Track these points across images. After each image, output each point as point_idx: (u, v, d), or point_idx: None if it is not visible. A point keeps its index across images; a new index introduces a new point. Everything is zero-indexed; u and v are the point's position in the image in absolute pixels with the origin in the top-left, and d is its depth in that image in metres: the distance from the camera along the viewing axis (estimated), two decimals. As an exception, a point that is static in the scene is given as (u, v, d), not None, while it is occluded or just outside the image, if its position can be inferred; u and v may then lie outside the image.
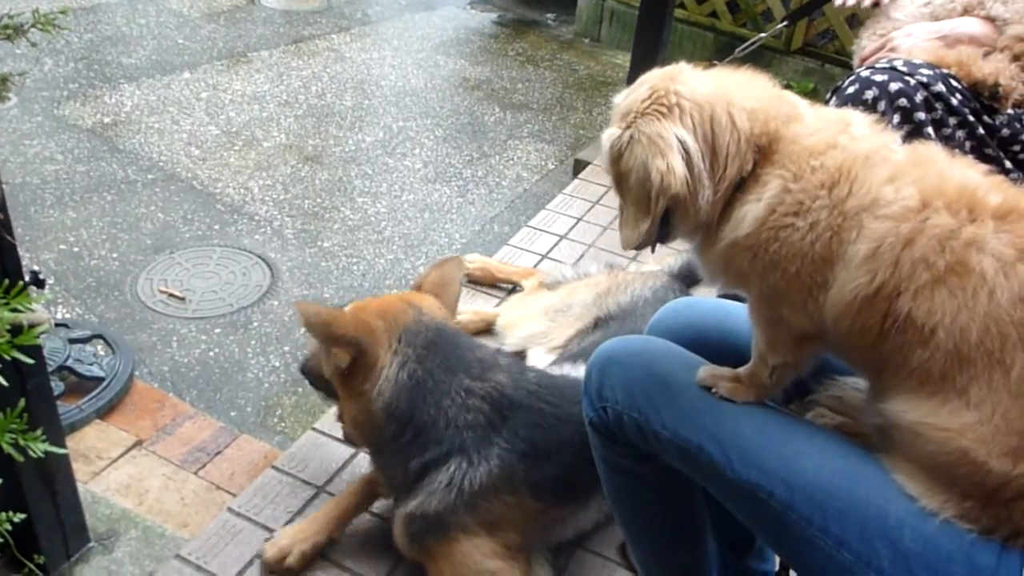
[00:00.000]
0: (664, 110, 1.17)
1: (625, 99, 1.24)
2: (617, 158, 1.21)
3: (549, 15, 6.71)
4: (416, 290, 2.02)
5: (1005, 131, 2.03)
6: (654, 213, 1.18)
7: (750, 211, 1.16)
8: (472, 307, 2.87)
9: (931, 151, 1.16)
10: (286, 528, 2.02)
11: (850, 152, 1.13)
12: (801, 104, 1.22)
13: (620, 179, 1.23)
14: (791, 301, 1.17)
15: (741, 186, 1.18)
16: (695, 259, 1.30)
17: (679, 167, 1.14)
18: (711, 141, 1.16)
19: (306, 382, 2.14)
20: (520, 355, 2.58)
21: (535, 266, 3.16)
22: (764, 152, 1.16)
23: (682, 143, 1.15)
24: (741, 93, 1.18)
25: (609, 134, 1.23)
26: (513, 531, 1.83)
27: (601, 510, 1.95)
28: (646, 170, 1.16)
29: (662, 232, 1.24)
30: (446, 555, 1.81)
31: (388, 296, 1.97)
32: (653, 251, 1.33)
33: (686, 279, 2.92)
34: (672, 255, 3.11)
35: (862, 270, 1.10)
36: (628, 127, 1.20)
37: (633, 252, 3.30)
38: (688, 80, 1.19)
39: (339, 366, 1.83)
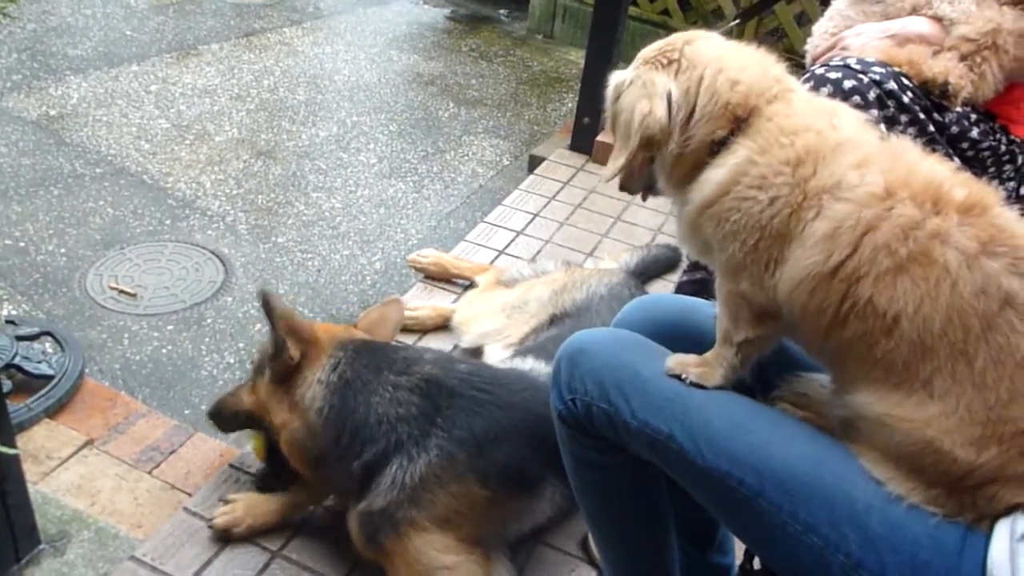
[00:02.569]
0: (664, 61, 1.28)
1: (644, 50, 1.33)
2: (616, 97, 1.33)
3: (502, 11, 6.71)
4: (352, 327, 2.14)
5: (954, 128, 2.07)
6: (631, 149, 1.28)
7: (713, 176, 1.22)
8: (430, 303, 2.86)
9: (905, 144, 1.18)
10: (243, 498, 2.05)
11: (824, 138, 1.16)
12: (796, 88, 1.28)
13: (614, 117, 1.34)
14: (750, 274, 1.20)
15: (710, 152, 1.25)
16: (676, 222, 1.36)
17: (660, 112, 1.24)
18: (691, 99, 1.25)
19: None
20: (477, 352, 2.58)
21: (492, 262, 3.16)
22: (741, 124, 1.22)
23: (669, 93, 1.25)
24: (735, 63, 1.25)
25: (616, 75, 1.35)
26: (465, 523, 1.82)
27: (554, 501, 1.94)
28: (632, 109, 1.27)
29: (649, 182, 1.37)
30: (400, 553, 1.81)
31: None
32: (644, 199, 1.47)
33: (641, 275, 2.95)
34: (628, 251, 3.14)
35: (817, 248, 1.12)
36: (634, 71, 1.31)
37: (590, 247, 3.33)
38: (700, 43, 1.29)
39: (291, 360, 1.91)
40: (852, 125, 1.21)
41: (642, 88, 1.27)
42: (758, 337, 1.27)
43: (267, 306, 1.91)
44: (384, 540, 1.82)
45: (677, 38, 1.30)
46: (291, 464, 2.00)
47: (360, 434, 1.85)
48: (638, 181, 1.40)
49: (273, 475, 2.11)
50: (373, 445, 1.83)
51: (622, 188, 1.43)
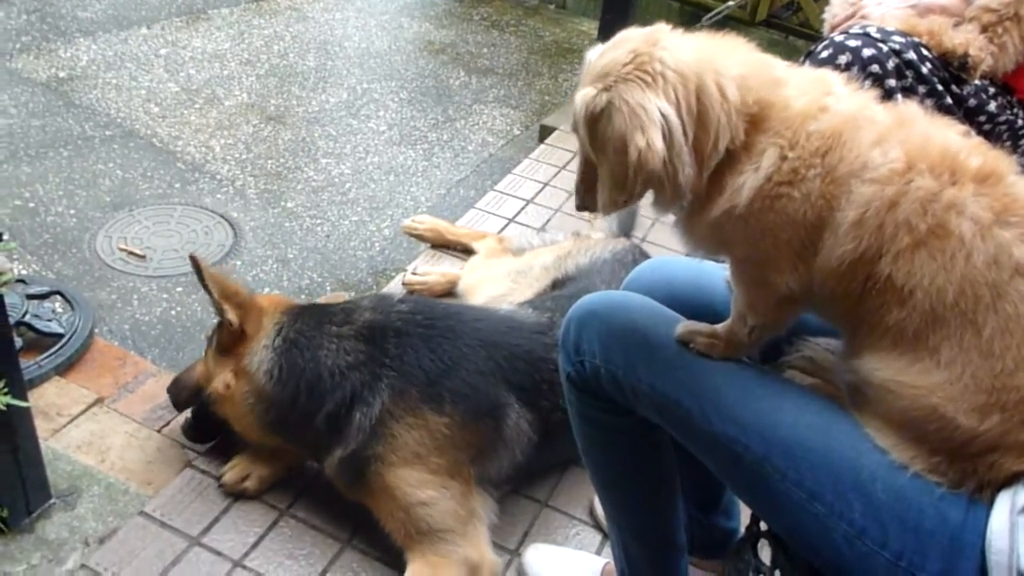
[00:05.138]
0: (648, 79, 1.09)
1: (602, 57, 1.16)
2: (593, 122, 1.13)
3: (515, -20, 6.64)
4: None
5: (972, 101, 2.06)
6: (631, 191, 1.13)
7: (748, 181, 1.12)
8: (439, 269, 2.87)
9: (912, 111, 1.16)
10: (243, 456, 2.08)
11: (839, 115, 1.12)
12: (780, 65, 1.19)
13: (597, 144, 1.15)
14: (778, 265, 1.17)
15: (730, 155, 1.14)
16: (678, 230, 1.26)
17: (658, 145, 1.08)
18: (698, 114, 1.10)
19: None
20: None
21: (501, 230, 3.16)
22: (755, 119, 1.13)
23: (664, 117, 1.08)
24: (727, 60, 1.13)
25: (584, 94, 1.13)
26: (432, 453, 1.85)
27: (520, 429, 1.94)
28: (624, 144, 1.09)
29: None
30: (378, 491, 1.87)
31: None
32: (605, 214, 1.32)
33: (627, 234, 2.98)
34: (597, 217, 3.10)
35: (849, 236, 1.10)
36: (607, 89, 1.11)
37: (589, 216, 3.31)
38: (671, 46, 1.12)
39: (231, 325, 1.96)
40: (849, 93, 1.16)
41: (632, 116, 1.09)
42: (776, 321, 1.27)
43: (197, 272, 1.95)
44: (360, 481, 1.87)
45: (641, 43, 1.13)
46: (243, 434, 2.05)
47: (315, 389, 1.90)
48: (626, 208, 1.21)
49: (199, 425, 2.16)
50: (331, 396, 1.89)
51: (584, 208, 1.25)
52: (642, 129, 1.08)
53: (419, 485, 1.84)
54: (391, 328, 1.94)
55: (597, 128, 1.14)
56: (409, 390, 1.86)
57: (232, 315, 1.97)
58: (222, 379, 2.00)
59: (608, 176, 1.16)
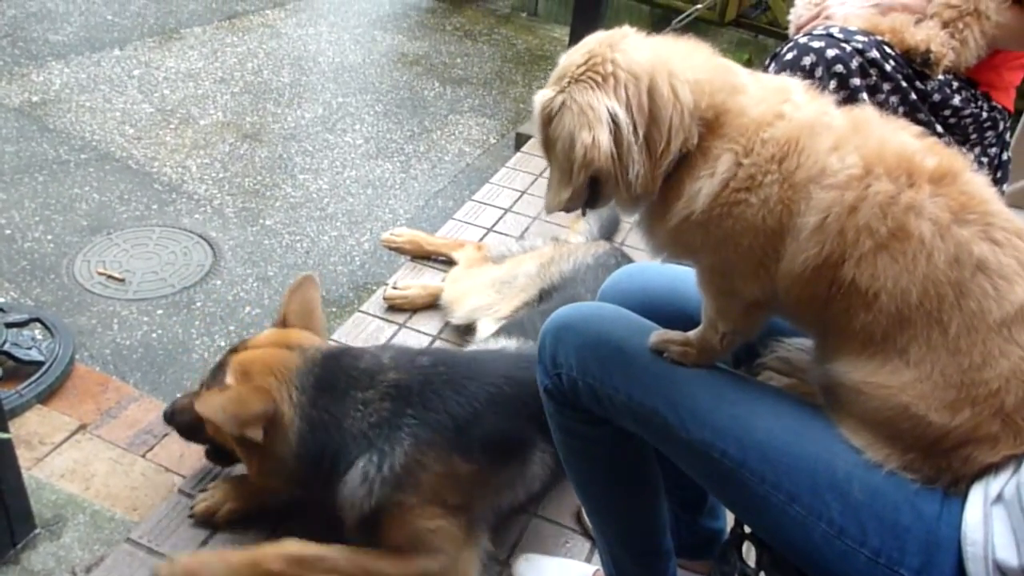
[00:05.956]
0: (598, 79, 1.13)
1: (563, 60, 1.20)
2: (547, 122, 1.19)
3: (487, -12, 6.67)
4: (281, 324, 2.08)
5: (936, 96, 2.09)
6: (575, 185, 1.16)
7: (704, 187, 1.14)
8: (420, 282, 2.87)
9: (867, 114, 1.18)
10: (220, 485, 2.06)
11: (795, 122, 1.13)
12: (742, 72, 1.21)
13: (548, 143, 1.21)
14: (742, 273, 1.19)
15: (686, 160, 1.15)
16: (641, 233, 1.28)
17: (604, 141, 1.11)
18: (650, 114, 1.13)
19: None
20: (468, 327, 2.60)
21: (480, 240, 3.17)
22: (710, 125, 1.14)
23: (612, 116, 1.12)
24: (684, 63, 1.15)
25: (541, 95, 1.19)
26: (451, 495, 1.84)
27: (544, 464, 1.94)
28: (571, 140, 1.14)
29: (591, 199, 1.23)
30: (393, 527, 1.84)
31: (265, 341, 1.98)
32: (584, 214, 1.36)
33: (608, 237, 3.00)
34: (576, 221, 3.11)
35: (811, 241, 1.11)
36: (561, 91, 1.16)
37: (569, 220, 3.33)
38: (628, 47, 1.15)
39: (254, 441, 1.82)
40: (808, 100, 1.18)
41: (579, 115, 1.13)
42: (746, 327, 1.28)
43: (216, 421, 1.83)
44: (377, 526, 1.85)
45: (597, 45, 1.16)
46: (260, 483, 2.00)
47: (341, 456, 1.84)
48: (574, 205, 1.23)
49: (218, 456, 2.09)
50: (348, 456, 1.84)
51: (550, 212, 1.26)
52: (588, 127, 1.12)
53: (431, 517, 1.83)
54: (413, 384, 1.88)
55: (549, 127, 1.19)
56: (435, 439, 1.82)
57: (256, 434, 1.82)
58: (252, 469, 1.93)
59: (556, 171, 1.20)
